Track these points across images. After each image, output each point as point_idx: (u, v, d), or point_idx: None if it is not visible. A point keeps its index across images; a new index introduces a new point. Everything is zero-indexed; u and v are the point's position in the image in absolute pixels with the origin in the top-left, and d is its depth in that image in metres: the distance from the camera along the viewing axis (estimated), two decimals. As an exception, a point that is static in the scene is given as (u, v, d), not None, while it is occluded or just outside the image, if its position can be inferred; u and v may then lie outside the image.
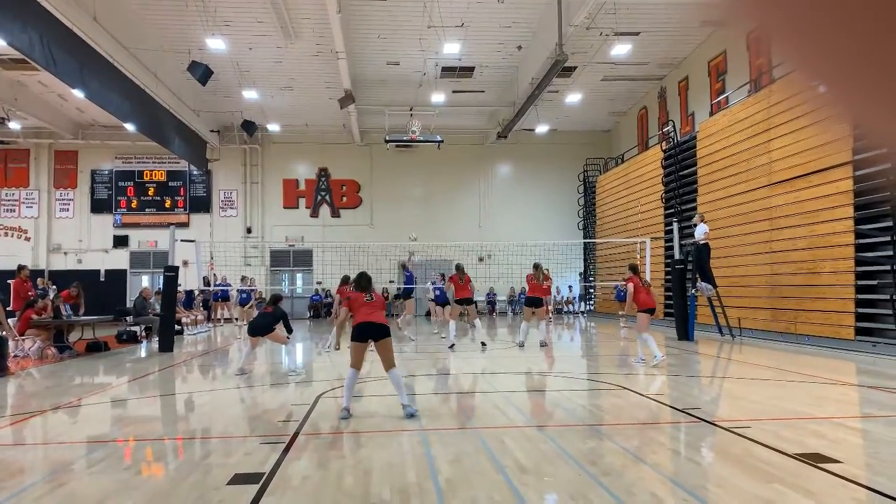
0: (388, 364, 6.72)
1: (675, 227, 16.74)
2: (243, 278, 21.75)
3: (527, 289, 13.33)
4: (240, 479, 4.44)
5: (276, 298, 10.80)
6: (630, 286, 10.69)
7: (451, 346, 13.12)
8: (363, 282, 7.07)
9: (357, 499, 4.04)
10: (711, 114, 18.75)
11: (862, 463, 4.80)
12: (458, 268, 13.71)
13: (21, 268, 14.58)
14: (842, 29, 0.49)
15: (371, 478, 4.47)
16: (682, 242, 16.24)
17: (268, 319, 10.48)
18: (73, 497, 4.18)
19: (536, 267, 13.25)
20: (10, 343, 11.72)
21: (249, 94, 22.88)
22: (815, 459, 4.67)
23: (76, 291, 14.80)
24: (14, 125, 24.75)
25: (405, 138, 22.94)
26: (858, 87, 0.51)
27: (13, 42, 11.53)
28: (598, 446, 5.30)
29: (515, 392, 8.27)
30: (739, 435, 5.51)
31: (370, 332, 6.75)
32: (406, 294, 15.96)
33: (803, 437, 5.41)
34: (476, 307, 14.18)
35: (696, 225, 15.11)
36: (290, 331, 10.87)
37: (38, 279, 20.18)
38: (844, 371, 9.83)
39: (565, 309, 27.62)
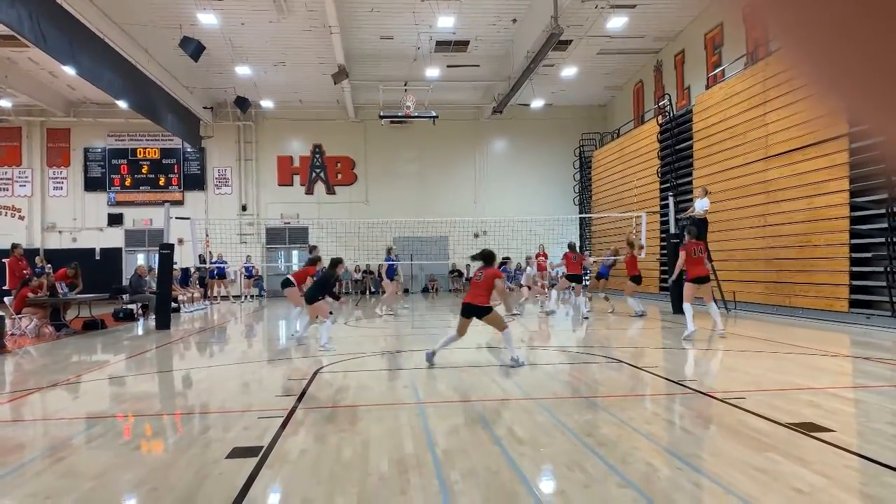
0: (499, 329, 7.94)
1: (671, 201, 16.71)
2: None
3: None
4: (238, 452, 4.47)
5: (333, 262, 10.63)
6: (682, 254, 10.87)
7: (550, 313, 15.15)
8: (479, 257, 8.06)
9: (355, 471, 4.08)
10: (708, 87, 18.65)
11: (854, 432, 4.85)
12: (571, 246, 15.54)
13: (15, 246, 14.52)
14: (831, 12, 0.49)
15: (369, 450, 4.50)
16: (678, 217, 16.24)
17: (314, 288, 10.45)
18: (73, 471, 4.21)
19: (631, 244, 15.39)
20: (7, 321, 11.73)
21: (242, 70, 22.64)
22: (808, 429, 4.72)
23: (73, 272, 14.74)
24: (5, 103, 24.53)
25: (400, 114, 22.78)
26: (845, 69, 0.51)
27: (2, 18, 11.34)
28: (593, 418, 5.35)
29: (511, 366, 8.31)
30: (734, 405, 5.56)
31: (468, 312, 7.87)
32: (389, 276, 16.24)
33: (797, 407, 5.47)
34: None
35: (699, 198, 15.09)
36: (335, 297, 10.72)
37: (36, 258, 20.13)
38: (838, 343, 9.90)
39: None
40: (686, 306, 10.44)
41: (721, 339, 10.22)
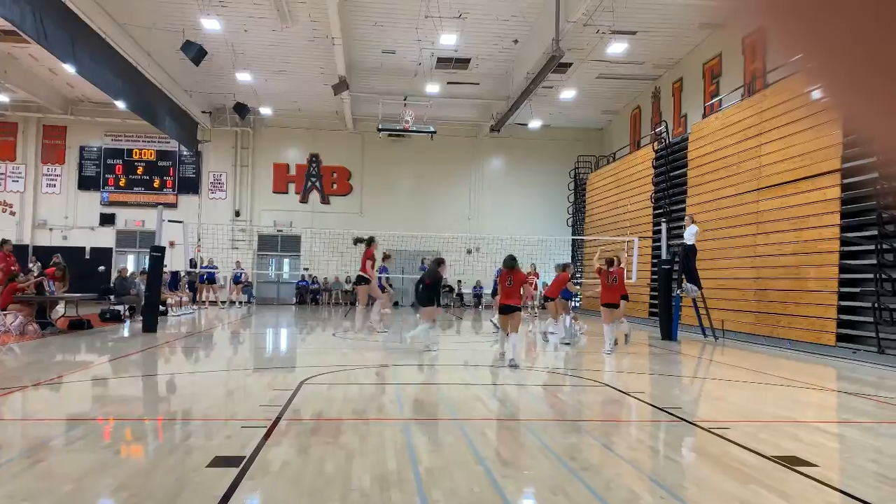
0: (514, 329, 9.37)
1: (664, 227, 16.78)
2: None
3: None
4: (220, 461, 4.43)
5: (438, 262, 11.06)
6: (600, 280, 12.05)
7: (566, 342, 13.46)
8: (508, 263, 9.58)
9: (337, 485, 4.05)
10: (704, 116, 18.81)
11: (837, 467, 4.86)
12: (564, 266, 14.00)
13: (4, 242, 14.42)
14: (847, 27, 0.49)
15: (351, 465, 4.47)
16: (670, 243, 16.31)
17: (426, 292, 10.96)
18: (50, 474, 4.16)
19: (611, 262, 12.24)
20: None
21: (243, 77, 22.65)
22: (791, 462, 4.72)
23: (61, 273, 14.63)
24: (3, 98, 24.48)
25: (398, 128, 22.86)
26: (861, 88, 0.51)
27: (5, 14, 11.35)
28: (578, 441, 5.34)
29: (498, 385, 8.30)
30: (718, 435, 5.56)
31: (506, 311, 9.42)
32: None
33: (781, 439, 5.47)
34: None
35: (686, 226, 15.16)
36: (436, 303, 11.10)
37: (50, 259, 19.85)
38: (824, 376, 9.93)
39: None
40: (605, 327, 11.76)
41: (607, 356, 11.23)
